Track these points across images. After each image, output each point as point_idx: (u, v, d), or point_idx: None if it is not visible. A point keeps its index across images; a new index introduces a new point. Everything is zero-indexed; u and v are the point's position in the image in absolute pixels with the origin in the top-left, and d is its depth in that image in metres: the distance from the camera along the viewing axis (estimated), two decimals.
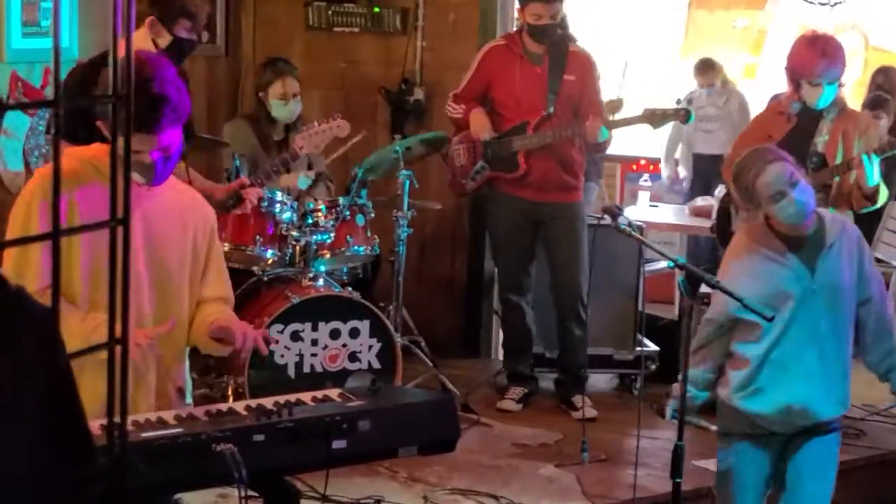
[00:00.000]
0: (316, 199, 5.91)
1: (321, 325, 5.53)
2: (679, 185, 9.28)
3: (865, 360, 4.22)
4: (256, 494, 3.09)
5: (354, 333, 5.58)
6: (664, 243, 8.10)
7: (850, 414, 5.14)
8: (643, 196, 8.14)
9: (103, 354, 1.03)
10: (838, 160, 5.32)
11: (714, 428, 4.20)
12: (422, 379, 6.17)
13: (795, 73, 5.33)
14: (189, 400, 5.13)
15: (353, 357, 5.59)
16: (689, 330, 3.87)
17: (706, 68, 9.19)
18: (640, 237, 4.36)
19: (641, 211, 7.81)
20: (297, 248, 5.77)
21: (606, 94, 6.65)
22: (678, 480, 3.83)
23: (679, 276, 3.85)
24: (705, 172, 8.75)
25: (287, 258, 5.75)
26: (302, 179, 5.84)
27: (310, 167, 6.15)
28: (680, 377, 3.88)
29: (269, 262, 5.70)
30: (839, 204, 5.39)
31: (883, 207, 5.97)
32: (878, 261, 7.38)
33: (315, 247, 5.74)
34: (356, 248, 5.87)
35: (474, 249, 7.18)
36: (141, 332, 3.14)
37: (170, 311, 3.34)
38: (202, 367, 5.79)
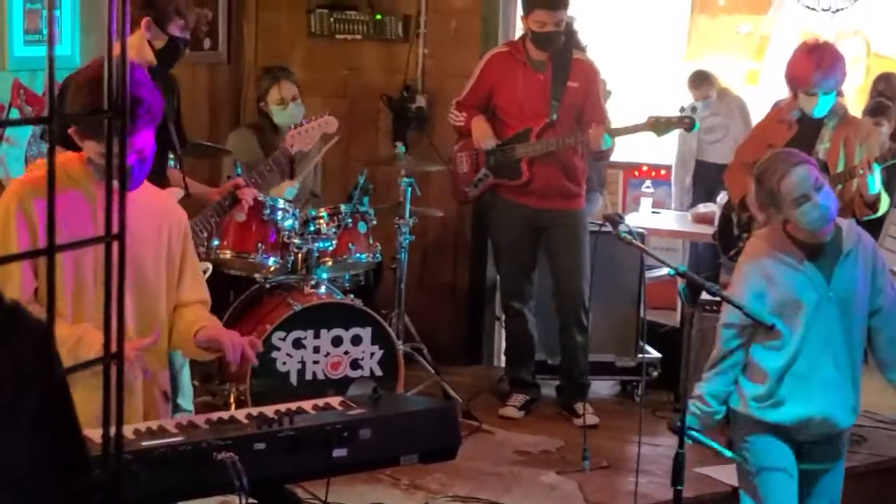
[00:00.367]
0: (318, 207, 5.92)
1: (323, 332, 5.53)
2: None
3: (886, 374, 4.17)
4: (257, 503, 3.10)
5: (356, 341, 5.59)
6: (666, 250, 8.11)
7: None
8: (645, 202, 8.15)
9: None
10: (840, 168, 5.32)
11: (729, 454, 4.11)
12: (424, 386, 6.17)
13: (792, 82, 5.36)
14: (190, 407, 5.17)
15: (355, 364, 5.59)
16: (690, 337, 3.86)
17: (700, 81, 9.15)
18: (641, 245, 4.35)
19: (643, 217, 7.81)
20: (300, 255, 5.77)
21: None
22: (679, 488, 3.83)
23: (680, 283, 3.84)
24: (708, 180, 8.74)
25: (289, 265, 5.76)
26: (289, 190, 5.85)
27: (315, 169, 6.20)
28: (693, 391, 3.88)
29: (272, 269, 5.70)
30: (841, 212, 5.38)
31: (885, 215, 5.96)
32: None
33: (317, 254, 5.75)
34: (358, 255, 5.88)
35: (476, 256, 7.18)
36: (128, 346, 3.14)
37: (150, 318, 3.34)
38: (204, 374, 5.81)
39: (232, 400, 5.43)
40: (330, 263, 5.84)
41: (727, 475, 4.95)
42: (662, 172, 9.50)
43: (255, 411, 3.19)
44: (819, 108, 5.30)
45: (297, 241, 5.67)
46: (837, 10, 7.76)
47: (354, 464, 3.18)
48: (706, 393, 4.04)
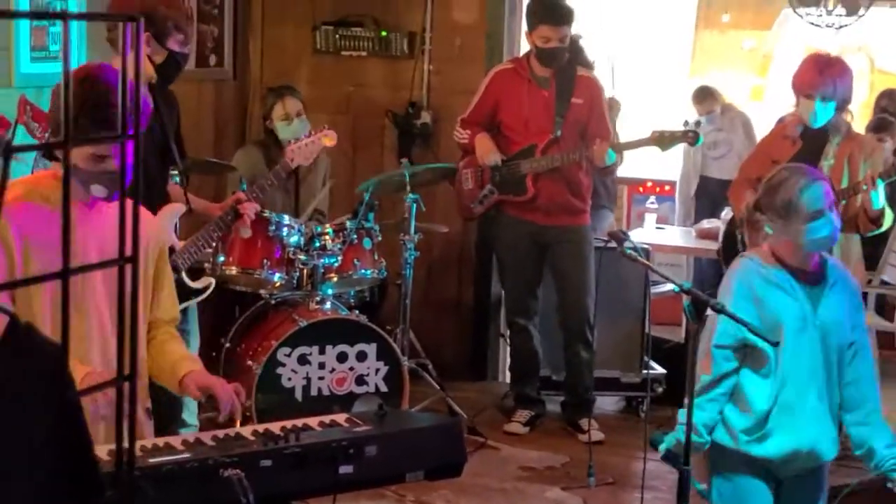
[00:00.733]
0: (323, 223, 5.94)
1: (328, 348, 5.54)
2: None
3: (843, 416, 3.94)
4: None
5: (362, 357, 5.60)
6: (670, 265, 8.12)
7: None
8: (649, 218, 8.15)
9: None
10: (844, 184, 5.33)
11: (699, 488, 3.96)
12: (429, 402, 6.18)
13: (794, 87, 5.37)
14: (195, 422, 5.18)
15: (360, 380, 5.60)
16: (695, 354, 3.80)
17: (704, 96, 9.19)
18: (646, 262, 4.30)
19: (648, 233, 7.81)
20: (305, 271, 5.79)
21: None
22: None
23: (685, 300, 3.79)
24: (712, 195, 8.76)
25: (294, 281, 5.77)
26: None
27: (323, 183, 6.23)
28: (677, 416, 3.83)
29: (277, 285, 5.71)
30: (846, 228, 5.38)
31: (889, 230, 5.97)
32: (885, 283, 7.40)
33: (322, 270, 5.76)
34: (363, 271, 5.89)
35: (481, 272, 7.19)
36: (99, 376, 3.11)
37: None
38: None
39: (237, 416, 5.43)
40: (335, 279, 5.85)
41: None
42: (666, 188, 9.51)
43: (261, 428, 3.19)
44: (817, 116, 5.29)
45: (302, 257, 5.68)
46: (841, 27, 7.77)
47: (360, 481, 3.18)
48: (700, 423, 3.78)
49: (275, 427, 3.19)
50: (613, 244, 4.20)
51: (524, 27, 6.25)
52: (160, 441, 3.10)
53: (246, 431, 3.19)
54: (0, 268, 3.06)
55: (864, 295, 7.27)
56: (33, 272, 3.06)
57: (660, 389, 6.45)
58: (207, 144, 6.99)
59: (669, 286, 3.85)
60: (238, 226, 4.99)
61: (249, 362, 5.51)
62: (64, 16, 1.00)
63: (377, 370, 5.62)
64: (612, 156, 5.98)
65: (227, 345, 5.74)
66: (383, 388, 5.61)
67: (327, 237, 5.78)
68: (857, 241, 5.61)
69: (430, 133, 7.15)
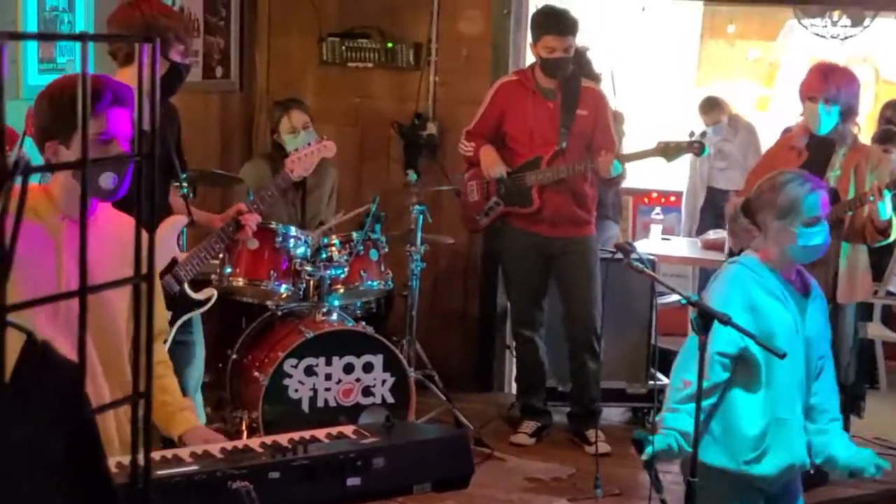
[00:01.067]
0: (330, 235, 5.95)
1: (335, 359, 5.55)
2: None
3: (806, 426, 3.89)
4: None
5: (368, 368, 5.60)
6: (676, 276, 8.12)
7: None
8: (655, 229, 8.16)
9: None
10: (850, 195, 5.33)
11: None
12: (435, 413, 6.18)
13: (799, 93, 5.39)
14: None
15: (366, 391, 5.60)
16: (702, 366, 3.76)
17: (710, 107, 9.21)
18: (652, 273, 4.28)
19: (653, 244, 7.82)
20: (311, 282, 5.80)
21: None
22: None
23: (691, 312, 3.78)
24: (718, 206, 8.76)
25: (301, 293, 5.78)
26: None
27: (330, 196, 6.26)
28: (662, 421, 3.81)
29: (283, 296, 5.72)
30: (852, 238, 5.40)
31: None
32: (891, 294, 7.40)
33: (329, 281, 5.77)
34: (370, 282, 5.89)
35: (487, 284, 7.20)
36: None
37: (113, 357, 3.22)
38: (216, 401, 5.83)
39: (244, 427, 5.44)
40: (342, 291, 5.86)
41: None
42: (672, 199, 9.52)
43: (268, 440, 3.20)
44: (821, 120, 5.29)
45: (308, 268, 5.69)
46: (846, 38, 7.78)
47: (368, 493, 3.18)
48: (688, 430, 3.64)
49: (282, 439, 3.20)
50: (619, 255, 4.20)
51: (529, 39, 6.27)
52: (168, 453, 3.10)
53: (254, 443, 3.20)
54: None
55: (870, 306, 7.30)
56: (18, 287, 3.02)
57: None
58: (214, 156, 7.00)
59: (675, 297, 3.84)
60: (240, 237, 4.99)
61: (256, 373, 5.52)
62: (83, 37, 1.01)
63: (383, 381, 5.62)
64: (617, 167, 5.99)
65: (234, 356, 5.75)
66: (390, 400, 5.61)
67: (334, 248, 5.79)
68: (864, 251, 5.60)
69: (435, 144, 7.16)
